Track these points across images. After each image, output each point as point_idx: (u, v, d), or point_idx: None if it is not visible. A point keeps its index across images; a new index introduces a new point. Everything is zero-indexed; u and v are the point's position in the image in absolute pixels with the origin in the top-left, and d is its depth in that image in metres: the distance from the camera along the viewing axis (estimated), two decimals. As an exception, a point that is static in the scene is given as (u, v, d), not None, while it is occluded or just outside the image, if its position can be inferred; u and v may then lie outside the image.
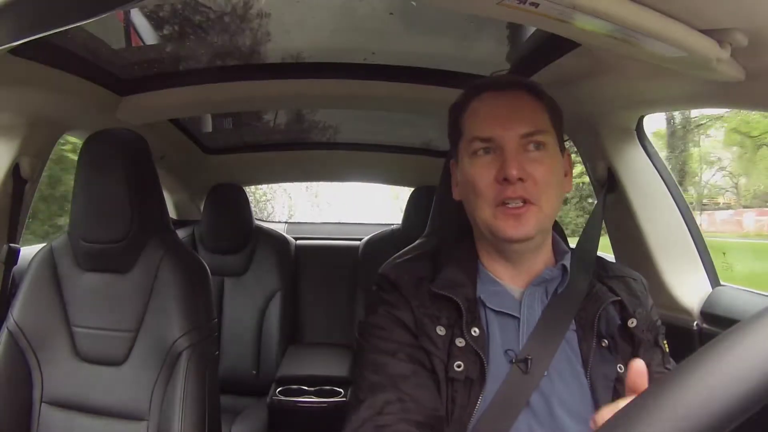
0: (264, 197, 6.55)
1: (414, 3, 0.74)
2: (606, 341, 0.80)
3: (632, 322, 0.82)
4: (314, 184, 6.69)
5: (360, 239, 2.45)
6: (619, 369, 0.78)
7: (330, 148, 2.48)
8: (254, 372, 2.13)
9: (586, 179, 1.51)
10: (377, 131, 2.37)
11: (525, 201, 0.79)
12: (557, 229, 0.97)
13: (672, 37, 0.73)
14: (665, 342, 0.86)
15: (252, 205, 2.41)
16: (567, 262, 0.85)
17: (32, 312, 1.23)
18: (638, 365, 0.55)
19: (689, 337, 1.26)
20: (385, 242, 2.31)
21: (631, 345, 0.81)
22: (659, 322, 0.86)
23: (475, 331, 0.79)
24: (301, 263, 2.47)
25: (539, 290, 0.84)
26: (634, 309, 0.83)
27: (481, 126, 0.83)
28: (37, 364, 1.21)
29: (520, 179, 0.78)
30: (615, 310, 0.83)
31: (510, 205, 0.79)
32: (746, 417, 0.34)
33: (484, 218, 0.82)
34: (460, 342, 0.78)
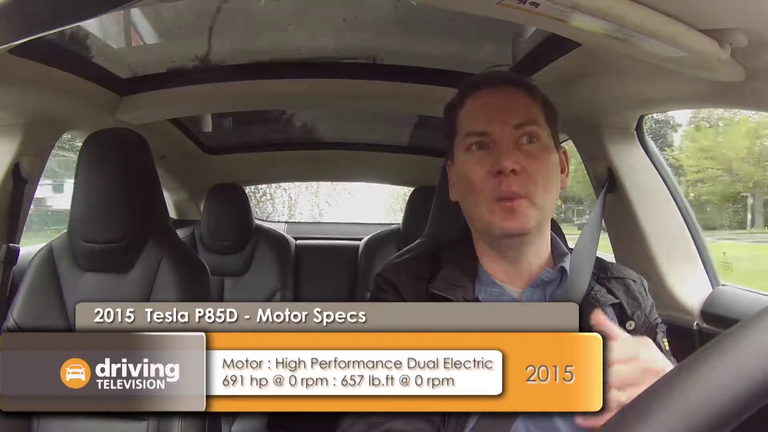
0: (264, 197, 6.55)
1: (414, 3, 0.75)
2: None
3: (630, 325, 0.81)
4: (314, 183, 6.69)
5: (360, 239, 2.45)
6: None
7: (330, 147, 2.48)
8: None
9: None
10: (377, 131, 2.36)
11: (519, 195, 0.79)
12: (557, 230, 0.97)
13: (672, 37, 0.73)
14: (666, 340, 0.85)
15: (252, 204, 2.41)
16: (566, 264, 0.85)
17: (32, 312, 1.23)
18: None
19: (689, 337, 1.26)
20: (385, 242, 2.31)
21: None
22: (659, 320, 0.86)
23: None
24: (301, 263, 2.46)
25: (538, 292, 0.84)
26: (632, 311, 0.83)
27: (476, 121, 0.83)
28: None
29: (514, 171, 0.78)
30: (613, 313, 0.83)
31: (505, 201, 0.79)
32: (747, 416, 0.34)
33: (480, 214, 0.81)
34: None
